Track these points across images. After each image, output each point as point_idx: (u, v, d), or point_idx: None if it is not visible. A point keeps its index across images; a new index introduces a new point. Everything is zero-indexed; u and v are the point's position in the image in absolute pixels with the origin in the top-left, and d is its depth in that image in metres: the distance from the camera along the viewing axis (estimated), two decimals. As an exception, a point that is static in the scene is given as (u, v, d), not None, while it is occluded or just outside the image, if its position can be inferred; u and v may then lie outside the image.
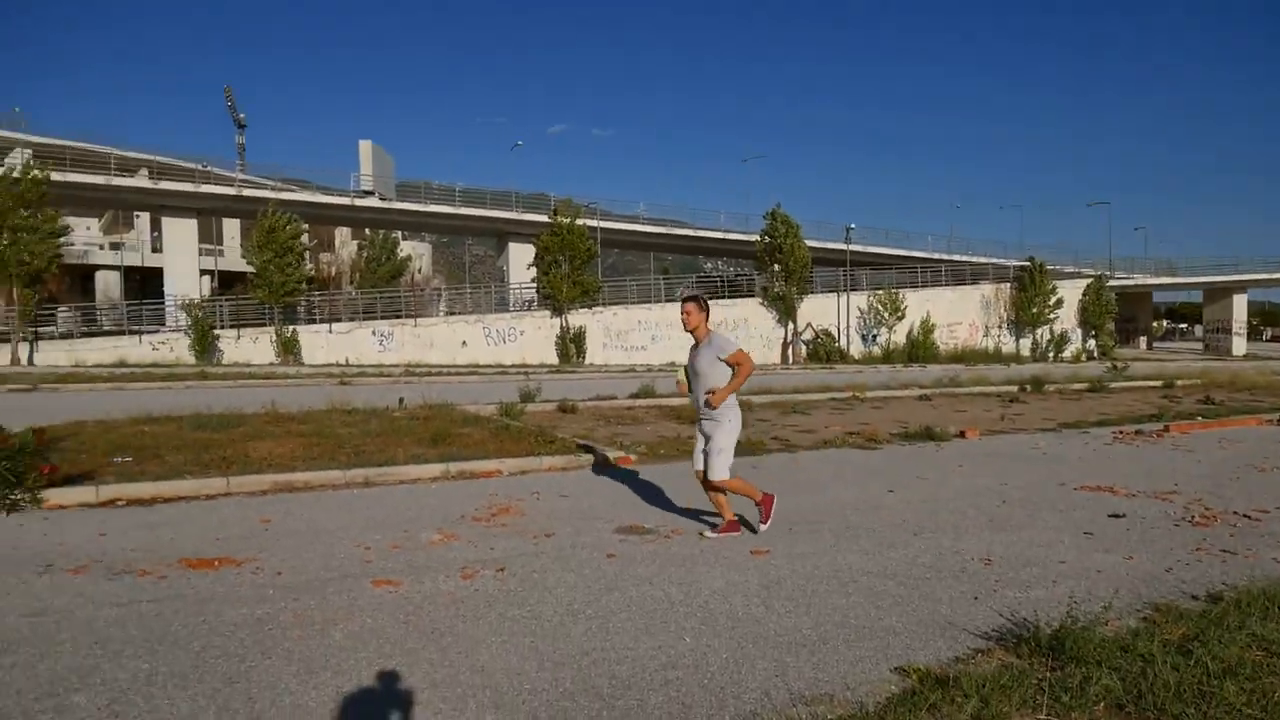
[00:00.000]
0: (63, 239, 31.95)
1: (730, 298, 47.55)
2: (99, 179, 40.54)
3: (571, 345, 38.85)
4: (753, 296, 47.51)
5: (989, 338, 52.13)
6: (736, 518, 6.21)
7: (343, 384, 19.92)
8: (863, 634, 4.18)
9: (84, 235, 60.82)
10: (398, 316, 39.47)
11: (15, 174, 30.39)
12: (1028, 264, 52.99)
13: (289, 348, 34.10)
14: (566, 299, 38.76)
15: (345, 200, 47.83)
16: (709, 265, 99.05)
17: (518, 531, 6.23)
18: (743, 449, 10.30)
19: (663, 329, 42.44)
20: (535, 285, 41.42)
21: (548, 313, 40.18)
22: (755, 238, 48.28)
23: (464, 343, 38.04)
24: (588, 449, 9.57)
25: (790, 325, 45.95)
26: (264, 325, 35.70)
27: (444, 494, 7.58)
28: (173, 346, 33.51)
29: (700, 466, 6.10)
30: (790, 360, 44.82)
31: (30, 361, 30.63)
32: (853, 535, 6.20)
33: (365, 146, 54.33)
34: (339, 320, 38.62)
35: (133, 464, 8.07)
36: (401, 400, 13.03)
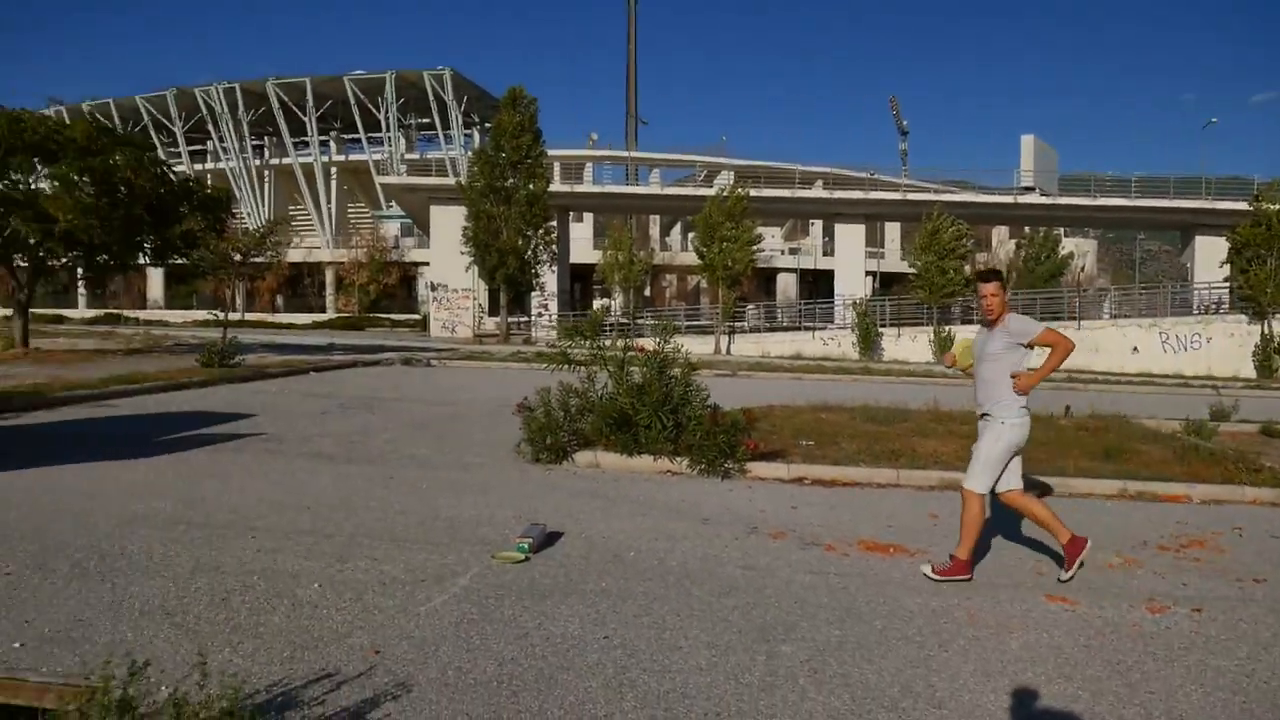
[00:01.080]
0: (756, 246, 36.88)
1: None
2: (785, 193, 45.91)
3: (1276, 356, 32.59)
4: None
5: None
6: (969, 560, 4.98)
7: (999, 386, 19.59)
8: None
9: (769, 243, 69.53)
10: (1057, 318, 37.35)
11: (724, 193, 36.09)
12: None
13: (945, 347, 34.63)
14: (1271, 301, 32.61)
15: (1006, 199, 46.81)
16: None
17: (1216, 570, 5.44)
18: None
19: None
20: (1227, 285, 35.66)
21: (1243, 317, 34.25)
22: None
23: (1135, 349, 34.45)
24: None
25: None
26: (920, 324, 36.80)
27: (1120, 514, 6.98)
28: (840, 342, 36.47)
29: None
30: None
31: (728, 351, 36.08)
32: None
33: (1027, 141, 52.52)
34: (994, 321, 37.95)
35: (814, 448, 8.99)
36: (1068, 409, 12.32)
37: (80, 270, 22.72)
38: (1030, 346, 4.93)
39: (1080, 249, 67.25)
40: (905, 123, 75.65)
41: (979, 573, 5.18)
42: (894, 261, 66.38)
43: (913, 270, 38.17)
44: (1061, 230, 57.51)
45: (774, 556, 5.43)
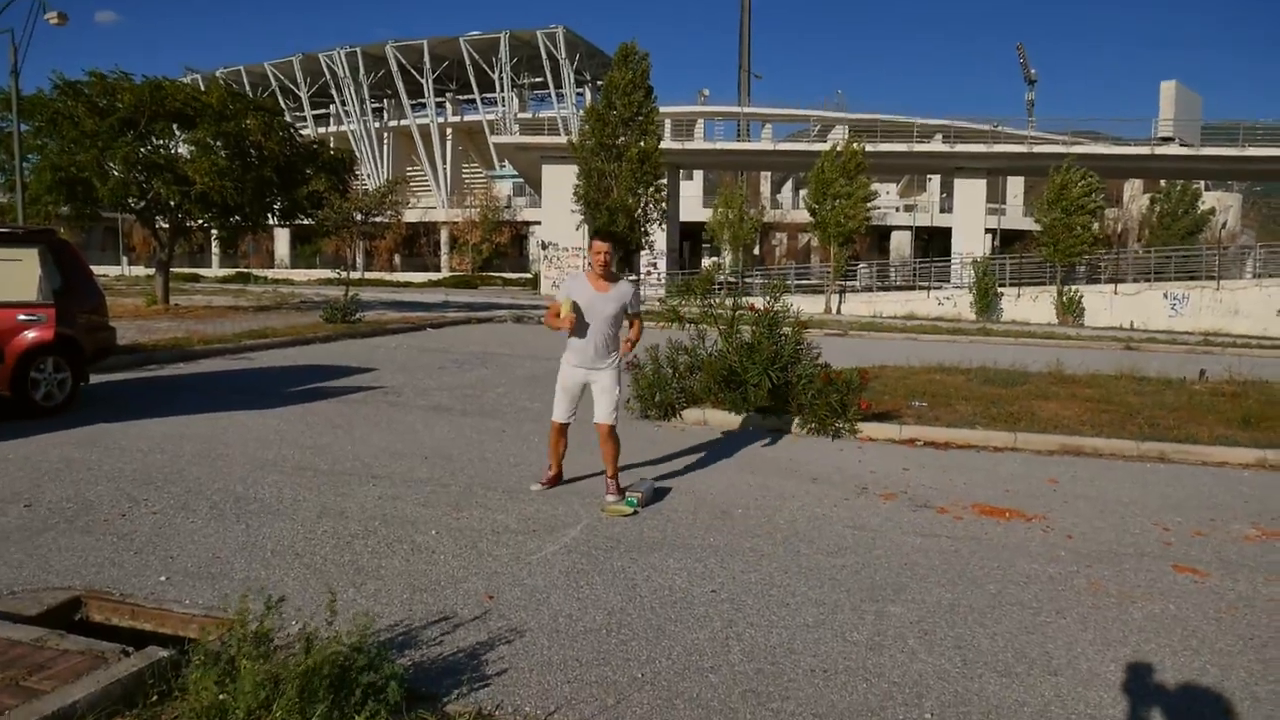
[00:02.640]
0: (870, 203, 35.92)
1: None
2: (901, 147, 44.43)
3: None
4: None
5: None
6: (618, 480, 5.59)
7: (1128, 349, 18.64)
8: None
9: (884, 199, 67.52)
10: (1193, 278, 35.21)
11: (838, 149, 35.21)
12: None
13: (1069, 308, 33.15)
14: None
15: (1141, 150, 44.10)
16: None
17: (1366, 544, 5.10)
18: None
19: None
20: (1392, 242, 32.86)
21: None
22: None
23: (1280, 311, 32.23)
24: None
25: None
26: (1043, 284, 35.27)
27: (1259, 484, 6.58)
28: (956, 302, 35.32)
29: (563, 419, 5.65)
30: None
31: (838, 311, 35.44)
32: None
33: (1167, 88, 49.22)
34: (1124, 281, 36.09)
35: (927, 409, 8.78)
36: (1203, 373, 11.65)
37: (215, 231, 23.90)
38: (630, 317, 5.62)
39: (1223, 203, 63.06)
40: (1033, 71, 71.98)
41: (1102, 542, 5.00)
42: (1016, 218, 63.62)
43: (1037, 227, 36.46)
44: (1203, 184, 54.00)
45: (884, 517, 5.36)
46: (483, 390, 10.23)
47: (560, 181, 42.37)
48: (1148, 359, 15.61)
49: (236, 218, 21.48)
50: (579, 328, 5.44)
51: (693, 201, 60.85)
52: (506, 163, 56.49)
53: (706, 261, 59.22)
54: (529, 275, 55.65)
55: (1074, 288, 34.20)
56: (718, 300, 8.97)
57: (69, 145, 18.58)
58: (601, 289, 5.46)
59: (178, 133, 20.49)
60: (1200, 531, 5.25)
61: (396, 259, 66.02)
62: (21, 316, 7.77)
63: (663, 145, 39.44)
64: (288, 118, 24.03)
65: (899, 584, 4.21)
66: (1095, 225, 35.40)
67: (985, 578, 4.33)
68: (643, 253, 42.70)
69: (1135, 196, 63.89)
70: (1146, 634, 3.70)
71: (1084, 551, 4.79)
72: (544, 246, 46.35)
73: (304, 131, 31.85)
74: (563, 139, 43.71)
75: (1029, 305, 34.49)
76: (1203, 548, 4.94)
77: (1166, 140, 44.96)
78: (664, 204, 39.66)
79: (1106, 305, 33.78)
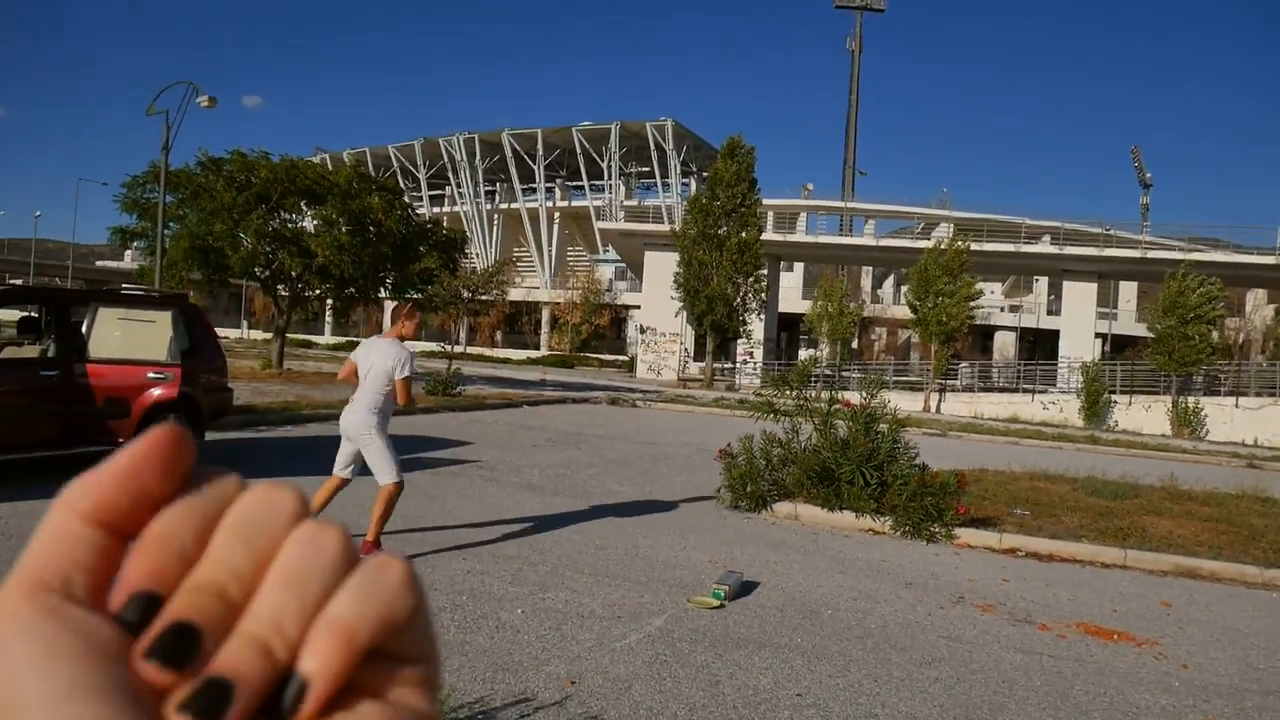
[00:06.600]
0: (974, 302, 35.33)
1: None
2: (1008, 247, 43.77)
3: None
4: None
5: None
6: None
7: (1251, 466, 17.60)
8: None
9: (988, 299, 66.27)
10: (1324, 394, 33.23)
11: (941, 246, 34.92)
12: None
13: (1185, 420, 31.60)
14: None
15: (1265, 259, 42.36)
16: None
17: None
18: None
19: None
20: None
21: None
22: None
23: None
24: None
25: None
26: (1156, 394, 33.79)
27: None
28: (1062, 407, 34.10)
29: (344, 474, 6.19)
30: None
31: (938, 410, 34.60)
32: None
33: (1297, 198, 47.47)
34: (1246, 394, 34.30)
35: (1030, 518, 8.44)
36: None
37: (330, 301, 25.03)
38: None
39: (1357, 318, 59.68)
40: (1148, 175, 70.36)
41: (1222, 675, 4.67)
42: (1128, 324, 61.56)
43: (1150, 334, 35.12)
44: (1334, 296, 51.34)
45: (981, 630, 5.14)
46: (574, 471, 10.30)
47: (661, 268, 43.06)
48: (1273, 479, 14.70)
49: (352, 289, 22.52)
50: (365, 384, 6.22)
51: (792, 293, 60.93)
52: (610, 247, 57.82)
53: (804, 353, 58.86)
54: (625, 358, 56.25)
55: (1191, 399, 32.66)
56: (814, 393, 8.89)
57: (207, 216, 19.88)
58: (400, 346, 6.06)
59: (305, 209, 21.76)
60: (1333, 672, 4.86)
61: (498, 335, 67.70)
62: (150, 374, 8.25)
63: (764, 237, 39.83)
64: (406, 198, 25.26)
65: (996, 703, 4.01)
66: (1214, 335, 33.89)
67: (1090, 704, 4.09)
68: (740, 341, 42.81)
69: (1259, 306, 61.17)
70: (1271, 781, 3.42)
71: (1201, 684, 4.49)
72: (642, 330, 46.91)
73: (419, 211, 33.42)
74: (665, 227, 44.58)
75: (1141, 415, 33.04)
76: (1335, 690, 4.56)
77: (1294, 250, 43.05)
78: (763, 294, 39.84)
79: (1226, 419, 32.10)
